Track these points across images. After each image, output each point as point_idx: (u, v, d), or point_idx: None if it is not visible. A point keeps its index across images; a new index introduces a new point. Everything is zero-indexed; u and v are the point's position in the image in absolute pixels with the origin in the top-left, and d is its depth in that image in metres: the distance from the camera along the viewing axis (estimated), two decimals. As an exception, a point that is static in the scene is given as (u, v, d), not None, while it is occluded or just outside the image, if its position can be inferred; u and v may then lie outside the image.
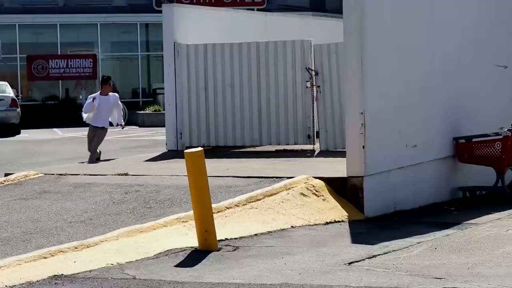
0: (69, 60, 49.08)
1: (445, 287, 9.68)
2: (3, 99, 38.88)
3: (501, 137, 18.13)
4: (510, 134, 18.16)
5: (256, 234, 13.15)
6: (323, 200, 15.30)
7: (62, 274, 10.49)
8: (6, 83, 41.71)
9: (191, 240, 12.30)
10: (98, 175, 18.30)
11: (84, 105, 24.65)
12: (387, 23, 16.15)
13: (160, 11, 25.05)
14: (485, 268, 10.95)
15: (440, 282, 10.02)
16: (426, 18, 17.48)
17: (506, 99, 20.33)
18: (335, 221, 14.48)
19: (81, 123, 44.56)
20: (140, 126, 41.91)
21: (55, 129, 40.91)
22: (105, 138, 23.82)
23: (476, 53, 19.27)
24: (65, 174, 18.44)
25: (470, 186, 18.45)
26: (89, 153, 22.93)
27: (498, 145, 18.10)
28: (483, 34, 19.61)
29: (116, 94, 24.38)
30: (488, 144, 18.16)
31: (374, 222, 14.87)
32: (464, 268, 10.99)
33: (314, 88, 21.97)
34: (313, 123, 22.15)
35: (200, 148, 12.80)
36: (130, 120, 43.52)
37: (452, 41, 18.29)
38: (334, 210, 15.00)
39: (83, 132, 38.31)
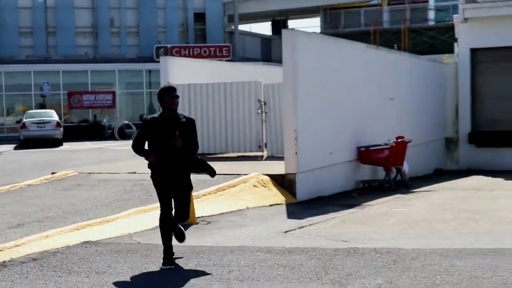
0: (96, 95, 49.02)
1: (349, 246, 9.77)
2: (51, 122, 38.77)
3: (388, 146, 18.38)
4: (394, 145, 18.42)
5: (222, 213, 13.20)
6: (269, 189, 15.36)
7: (90, 241, 10.53)
8: (53, 110, 41.77)
9: (178, 217, 12.38)
10: (115, 173, 18.29)
11: None
12: (313, 69, 16.28)
13: (159, 61, 25.07)
14: (377, 234, 11.09)
15: (346, 243, 10.12)
16: (340, 67, 17.67)
17: (393, 120, 20.57)
18: (277, 204, 14.54)
19: (104, 138, 44.97)
20: (145, 140, 41.75)
21: (86, 142, 40.78)
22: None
23: (373, 89, 19.48)
24: (93, 173, 18.44)
25: (368, 179, 18.64)
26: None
27: (387, 151, 18.33)
28: (380, 76, 19.85)
29: None
30: (380, 151, 18.38)
31: (303, 204, 14.92)
32: (363, 234, 11.12)
33: (263, 113, 22.08)
34: (263, 137, 22.25)
35: (184, 154, 12.83)
36: (138, 136, 43.43)
37: (358, 82, 18.48)
38: (276, 196, 15.07)
39: (105, 144, 38.43)
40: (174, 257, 8.97)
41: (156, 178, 9.09)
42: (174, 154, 8.85)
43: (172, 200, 9.10)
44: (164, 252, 8.92)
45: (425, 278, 7.92)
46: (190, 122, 9.06)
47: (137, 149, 9.01)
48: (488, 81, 25.03)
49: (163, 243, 8.98)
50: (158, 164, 8.96)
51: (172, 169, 8.94)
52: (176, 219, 9.18)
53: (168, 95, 8.91)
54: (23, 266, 8.96)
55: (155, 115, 9.02)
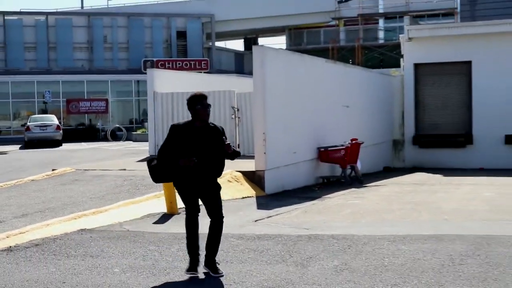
0: (91, 102, 48.65)
1: (310, 233, 9.80)
2: (52, 125, 38.54)
3: (344, 147, 18.46)
4: (349, 145, 18.50)
5: (200, 204, 13.16)
6: (241, 184, 15.37)
7: (85, 228, 10.47)
8: (53, 115, 41.49)
9: (162, 208, 12.33)
10: (107, 170, 18.20)
11: None
12: (279, 80, 16.32)
13: (146, 73, 24.99)
14: (335, 223, 11.12)
15: (307, 230, 10.15)
16: (302, 78, 17.71)
17: (349, 124, 20.65)
18: (248, 196, 14.56)
19: (98, 139, 44.82)
20: (133, 141, 41.56)
21: (82, 143, 40.51)
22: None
23: (332, 98, 19.55)
24: (88, 169, 18.35)
25: (326, 175, 18.69)
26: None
27: (343, 151, 18.41)
28: (337, 86, 19.92)
29: None
30: (337, 151, 18.45)
31: (271, 197, 14.95)
32: (322, 222, 11.15)
33: (237, 118, 22.09)
34: (236, 139, 22.25)
35: (168, 154, 12.81)
36: (129, 137, 43.31)
37: (318, 91, 18.54)
38: (248, 190, 15.08)
39: (99, 145, 38.22)
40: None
41: (183, 185, 7.44)
42: (206, 162, 7.32)
43: (201, 202, 7.57)
44: (190, 257, 7.48)
45: (375, 260, 7.98)
46: (221, 130, 7.48)
47: (165, 158, 7.33)
48: (429, 91, 25.23)
49: (188, 247, 7.51)
50: (187, 173, 7.30)
51: (203, 178, 7.38)
52: (215, 219, 7.58)
53: (201, 104, 7.34)
54: (27, 251, 8.89)
55: (186, 122, 7.44)
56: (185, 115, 22.91)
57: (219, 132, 7.44)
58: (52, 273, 7.71)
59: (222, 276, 7.39)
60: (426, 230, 10.05)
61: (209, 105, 7.39)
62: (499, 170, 22.49)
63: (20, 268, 7.96)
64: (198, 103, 7.33)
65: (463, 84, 24.77)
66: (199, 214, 7.54)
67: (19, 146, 38.17)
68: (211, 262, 7.49)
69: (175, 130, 7.36)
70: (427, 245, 8.74)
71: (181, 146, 7.27)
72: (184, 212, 12.14)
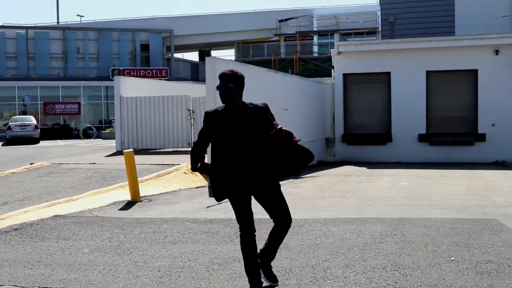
0: (66, 104, 47.95)
1: (255, 218, 9.67)
2: (30, 125, 37.85)
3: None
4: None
5: (160, 193, 13.08)
6: (195, 176, 15.26)
7: (59, 214, 10.27)
8: (32, 116, 40.78)
9: (127, 196, 12.17)
10: (79, 163, 17.92)
11: None
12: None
13: (113, 80, 24.66)
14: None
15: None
16: (248, 85, 17.67)
17: (287, 125, 20.68)
18: (201, 186, 14.43)
19: (72, 137, 44.18)
20: (103, 139, 41.02)
21: (58, 141, 39.80)
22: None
23: (273, 102, 19.57)
24: (62, 163, 18.03)
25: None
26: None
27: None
28: (278, 92, 19.98)
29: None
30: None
31: (221, 186, 14.92)
32: (264, 208, 11.15)
33: (192, 119, 21.98)
34: (191, 137, 22.15)
35: (131, 149, 12.68)
36: (98, 135, 42.70)
37: (262, 96, 18.48)
38: (201, 181, 14.96)
39: (73, 142, 37.60)
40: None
41: (227, 190, 5.20)
42: (250, 154, 5.09)
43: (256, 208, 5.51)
44: (250, 283, 5.27)
45: (309, 239, 8.00)
46: (264, 108, 5.29)
47: (196, 151, 5.32)
48: (356, 97, 25.50)
49: (246, 271, 5.29)
50: (226, 171, 5.12)
51: (252, 174, 5.17)
52: (282, 220, 5.41)
53: (220, 84, 5.17)
54: (7, 235, 8.67)
55: (219, 106, 5.26)
56: (147, 116, 22.72)
57: (262, 112, 5.16)
58: (29, 253, 7.54)
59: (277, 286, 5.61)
60: (352, 214, 10.13)
61: (227, 87, 5.11)
62: (413, 163, 22.89)
63: (1, 250, 7.75)
64: (218, 85, 5.13)
65: (383, 91, 25.12)
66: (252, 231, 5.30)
67: (1, 143, 37.34)
68: (267, 268, 5.56)
69: (206, 117, 5.22)
70: (353, 227, 8.81)
71: (214, 136, 5.13)
72: (147, 200, 12.13)
